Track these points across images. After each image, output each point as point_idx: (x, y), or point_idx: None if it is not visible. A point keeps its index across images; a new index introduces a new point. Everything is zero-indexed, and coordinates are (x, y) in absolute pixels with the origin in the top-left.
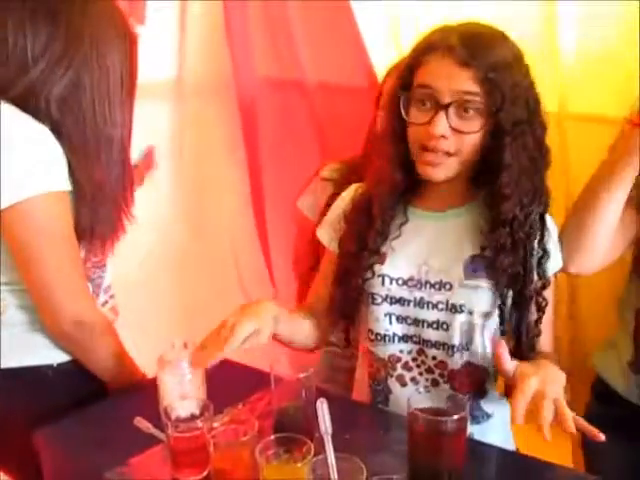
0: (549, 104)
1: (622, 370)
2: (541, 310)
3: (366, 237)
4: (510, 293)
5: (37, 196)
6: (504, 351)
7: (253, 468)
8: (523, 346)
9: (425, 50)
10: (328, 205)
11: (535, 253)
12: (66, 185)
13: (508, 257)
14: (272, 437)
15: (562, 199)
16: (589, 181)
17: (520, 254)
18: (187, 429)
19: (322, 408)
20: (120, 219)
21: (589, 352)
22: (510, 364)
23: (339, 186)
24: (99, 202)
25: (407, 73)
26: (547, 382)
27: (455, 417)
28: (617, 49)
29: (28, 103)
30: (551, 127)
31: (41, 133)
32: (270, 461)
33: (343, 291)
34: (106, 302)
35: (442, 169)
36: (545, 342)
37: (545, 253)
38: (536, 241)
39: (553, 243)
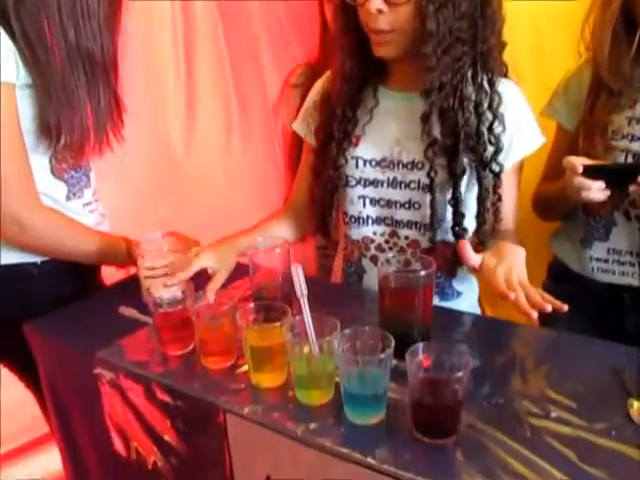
0: None
1: (575, 248)
2: (497, 176)
3: (333, 126)
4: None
5: None
6: (468, 249)
7: (235, 336)
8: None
9: None
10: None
11: (485, 119)
12: (10, 77)
13: (436, 124)
14: (251, 304)
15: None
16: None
17: (452, 120)
18: (171, 304)
19: (297, 273)
20: (98, 132)
21: (544, 234)
22: (475, 259)
23: (307, 90)
24: (63, 107)
25: None
26: (512, 269)
27: (423, 272)
28: None
29: None
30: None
31: None
32: (250, 325)
33: (320, 181)
34: (90, 203)
35: (389, 46)
36: (508, 223)
37: (496, 118)
38: (486, 107)
39: (518, 121)
